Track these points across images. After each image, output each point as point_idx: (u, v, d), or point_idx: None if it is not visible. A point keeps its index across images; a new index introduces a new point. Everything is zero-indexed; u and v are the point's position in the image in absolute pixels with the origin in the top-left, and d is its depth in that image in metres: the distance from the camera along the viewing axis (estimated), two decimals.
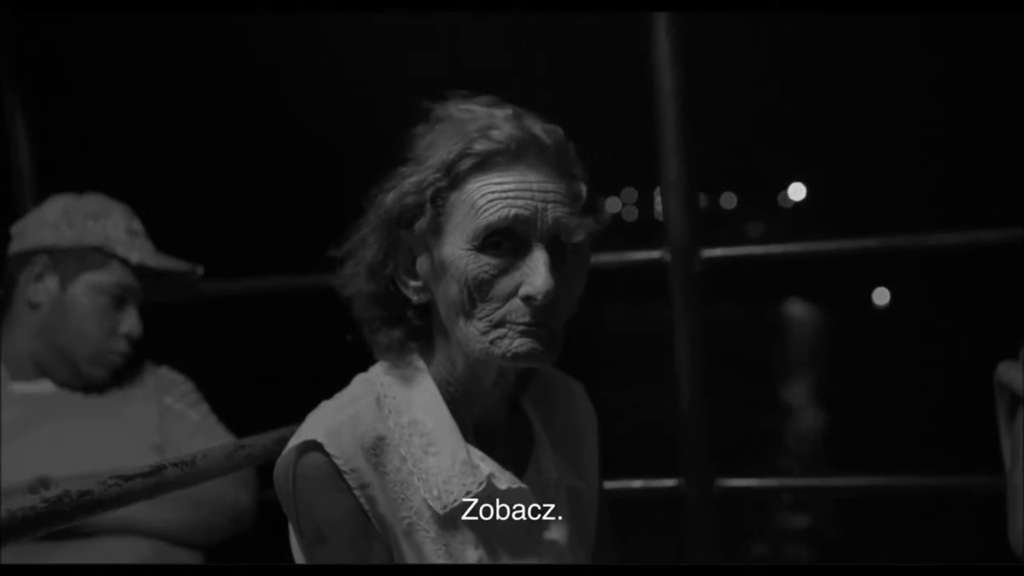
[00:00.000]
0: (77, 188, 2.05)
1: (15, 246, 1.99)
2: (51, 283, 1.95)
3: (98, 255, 1.96)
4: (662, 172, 2.05)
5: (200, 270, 2.10)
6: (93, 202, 2.01)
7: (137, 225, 2.03)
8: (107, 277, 1.96)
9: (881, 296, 29.01)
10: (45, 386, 1.97)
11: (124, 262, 1.97)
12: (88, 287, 1.95)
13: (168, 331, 2.21)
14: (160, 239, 2.06)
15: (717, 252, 2.07)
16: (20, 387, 1.95)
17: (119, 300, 1.98)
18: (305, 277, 2.29)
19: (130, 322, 1.99)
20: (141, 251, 1.99)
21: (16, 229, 2.00)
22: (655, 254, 2.08)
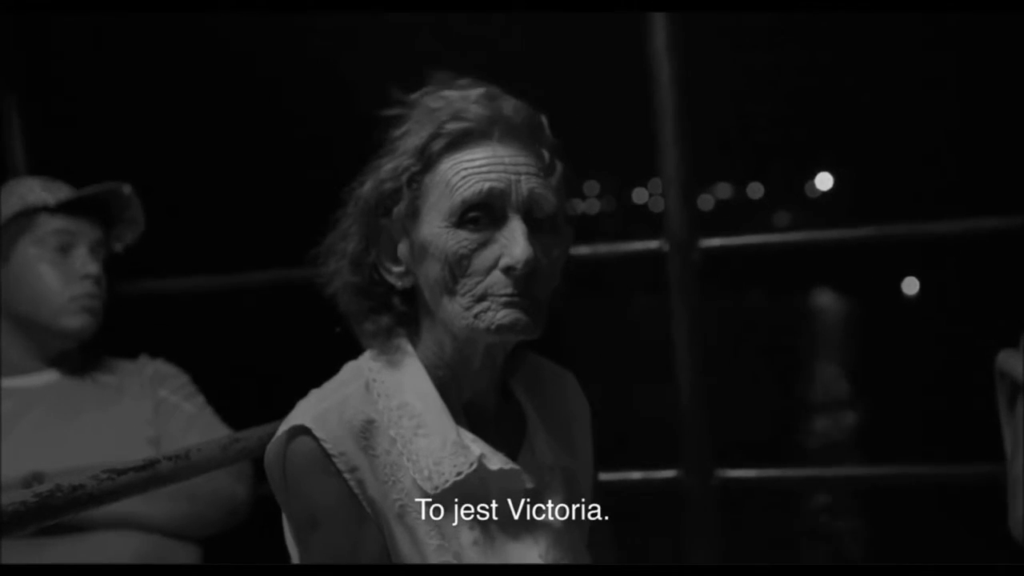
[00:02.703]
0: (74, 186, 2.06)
1: None
2: None
3: (23, 219, 1.95)
4: (660, 164, 2.06)
5: (127, 189, 2.03)
6: (10, 183, 2.02)
7: (58, 185, 2.01)
8: (39, 231, 1.95)
9: (910, 286, 28.85)
10: (36, 379, 1.97)
11: (46, 209, 1.95)
12: (28, 247, 1.94)
13: (163, 324, 2.23)
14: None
15: (715, 242, 2.07)
16: (11, 382, 1.96)
17: (64, 247, 1.96)
18: (299, 270, 2.26)
19: (81, 262, 1.96)
20: (58, 193, 1.98)
21: None
22: (653, 245, 2.09)
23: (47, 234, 1.95)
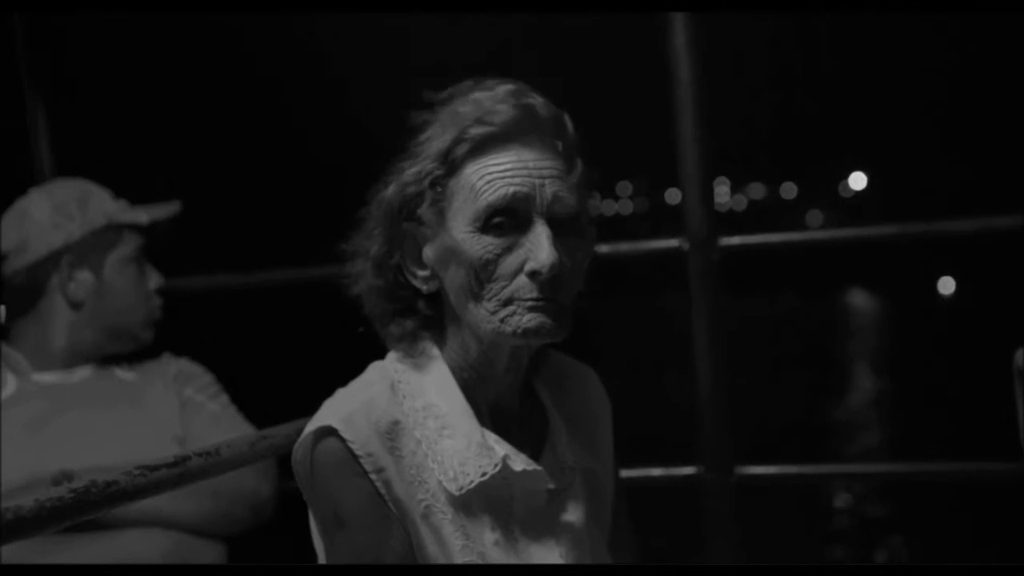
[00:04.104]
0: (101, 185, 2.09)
1: (22, 260, 1.99)
2: (86, 276, 2.00)
3: (109, 232, 2.03)
4: (679, 162, 2.06)
5: (179, 205, 2.16)
6: (68, 190, 2.06)
7: (121, 200, 2.09)
8: (127, 247, 2.04)
9: (946, 285, 28.61)
10: (73, 375, 2.00)
11: (132, 227, 2.05)
12: (117, 264, 2.03)
13: (188, 324, 2.26)
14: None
15: (735, 241, 2.07)
16: (47, 376, 1.99)
17: (140, 262, 2.07)
18: (321, 269, 2.29)
19: (155, 277, 2.10)
20: (140, 211, 2.07)
21: (10, 246, 2.00)
22: (673, 243, 2.09)
23: (133, 251, 2.05)
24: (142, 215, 2.06)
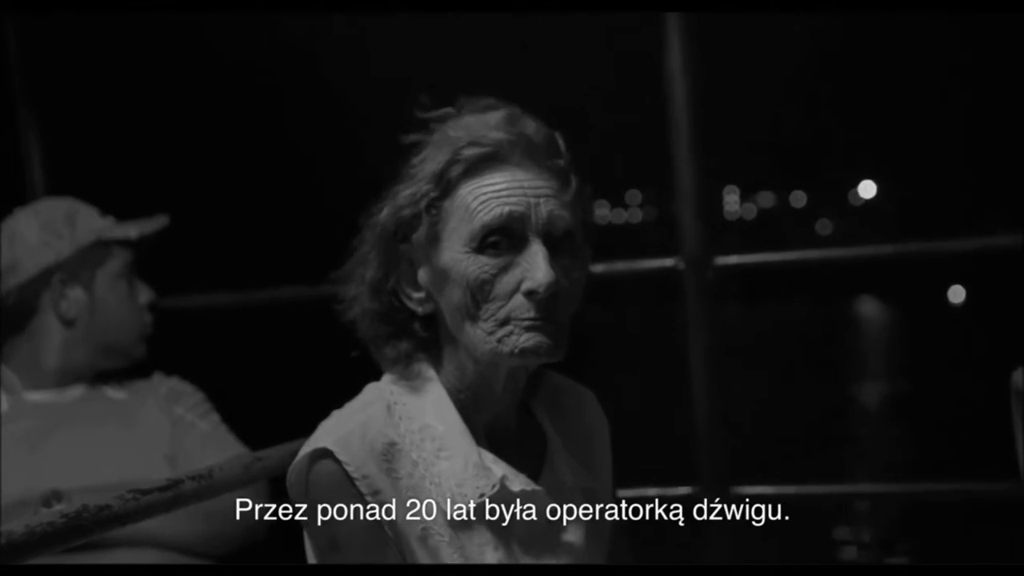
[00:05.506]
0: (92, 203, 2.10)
1: (13, 280, 1.99)
2: (77, 294, 2.00)
3: (99, 248, 2.03)
4: (675, 181, 2.06)
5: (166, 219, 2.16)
6: (55, 208, 2.06)
7: (106, 216, 2.10)
8: (117, 263, 2.04)
9: (957, 294, 28.56)
10: (66, 394, 2.00)
11: (121, 242, 2.05)
12: (108, 280, 2.02)
13: (178, 342, 2.27)
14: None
15: (731, 260, 2.08)
16: (40, 395, 1.99)
17: (130, 278, 2.06)
18: (317, 288, 2.27)
19: (145, 292, 2.09)
20: (129, 226, 2.07)
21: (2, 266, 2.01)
22: (668, 262, 2.09)
23: (123, 267, 2.05)
24: (131, 230, 2.06)
